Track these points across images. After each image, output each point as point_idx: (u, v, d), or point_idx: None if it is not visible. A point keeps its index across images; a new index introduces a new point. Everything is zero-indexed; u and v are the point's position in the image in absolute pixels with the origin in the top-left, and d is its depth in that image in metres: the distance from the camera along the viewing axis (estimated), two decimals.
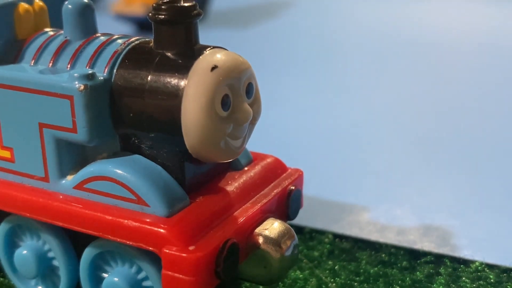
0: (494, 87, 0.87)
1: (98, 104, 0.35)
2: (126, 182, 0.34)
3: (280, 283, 0.42)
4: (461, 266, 0.45)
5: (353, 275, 0.44)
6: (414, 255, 0.46)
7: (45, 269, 0.39)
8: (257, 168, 0.41)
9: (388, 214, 0.52)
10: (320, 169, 0.60)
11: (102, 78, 0.35)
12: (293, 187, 0.41)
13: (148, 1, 1.09)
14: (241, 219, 0.36)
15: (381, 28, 1.22)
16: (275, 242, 0.36)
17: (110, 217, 0.34)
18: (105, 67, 0.36)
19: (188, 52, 0.35)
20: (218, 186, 0.38)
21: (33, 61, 0.38)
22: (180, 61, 0.35)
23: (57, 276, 0.39)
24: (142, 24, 1.14)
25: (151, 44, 0.36)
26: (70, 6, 0.37)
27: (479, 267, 0.44)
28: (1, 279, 0.42)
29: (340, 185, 0.57)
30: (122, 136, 0.37)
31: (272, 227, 0.36)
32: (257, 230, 0.36)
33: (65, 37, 0.38)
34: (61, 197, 0.37)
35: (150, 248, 0.33)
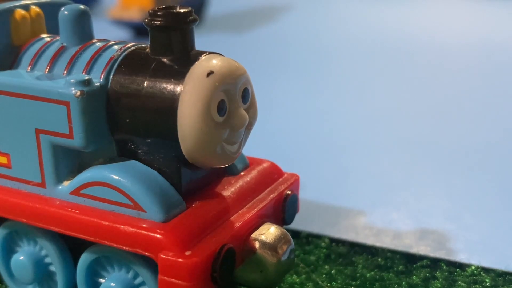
0: (489, 91, 0.87)
1: (94, 110, 0.35)
2: (123, 188, 0.35)
3: (276, 287, 0.42)
4: (457, 270, 0.45)
5: (350, 279, 0.44)
6: (410, 259, 0.46)
7: (42, 274, 0.39)
8: (254, 173, 0.41)
9: (384, 218, 0.52)
10: (316, 173, 0.60)
11: (98, 84, 0.35)
12: (290, 192, 0.41)
13: (145, 7, 1.09)
14: (237, 224, 0.36)
15: (377, 32, 1.22)
16: (272, 247, 0.36)
17: (107, 223, 0.34)
18: (102, 73, 0.36)
19: (184, 58, 0.35)
20: (214, 191, 0.38)
21: (29, 67, 0.38)
22: (176, 67, 0.35)
23: (54, 281, 0.39)
24: (139, 30, 1.14)
25: (147, 50, 0.36)
26: (66, 13, 0.38)
27: (475, 271, 0.44)
28: None
29: (336, 189, 0.57)
30: (118, 142, 0.37)
31: (269, 232, 0.36)
32: (253, 235, 0.36)
33: (62, 43, 0.38)
34: (57, 202, 0.37)
35: (147, 254, 0.33)
